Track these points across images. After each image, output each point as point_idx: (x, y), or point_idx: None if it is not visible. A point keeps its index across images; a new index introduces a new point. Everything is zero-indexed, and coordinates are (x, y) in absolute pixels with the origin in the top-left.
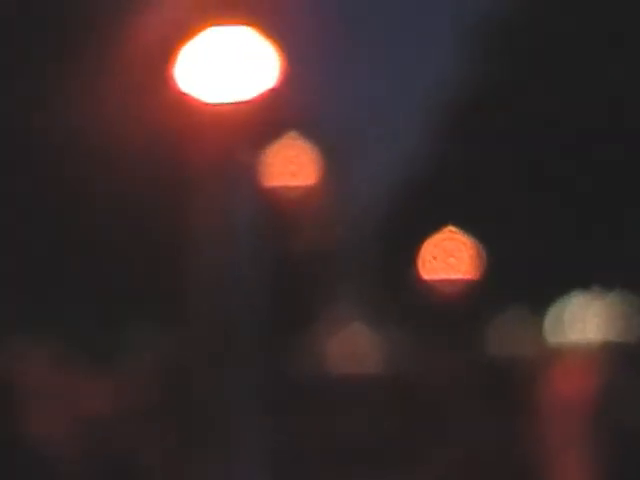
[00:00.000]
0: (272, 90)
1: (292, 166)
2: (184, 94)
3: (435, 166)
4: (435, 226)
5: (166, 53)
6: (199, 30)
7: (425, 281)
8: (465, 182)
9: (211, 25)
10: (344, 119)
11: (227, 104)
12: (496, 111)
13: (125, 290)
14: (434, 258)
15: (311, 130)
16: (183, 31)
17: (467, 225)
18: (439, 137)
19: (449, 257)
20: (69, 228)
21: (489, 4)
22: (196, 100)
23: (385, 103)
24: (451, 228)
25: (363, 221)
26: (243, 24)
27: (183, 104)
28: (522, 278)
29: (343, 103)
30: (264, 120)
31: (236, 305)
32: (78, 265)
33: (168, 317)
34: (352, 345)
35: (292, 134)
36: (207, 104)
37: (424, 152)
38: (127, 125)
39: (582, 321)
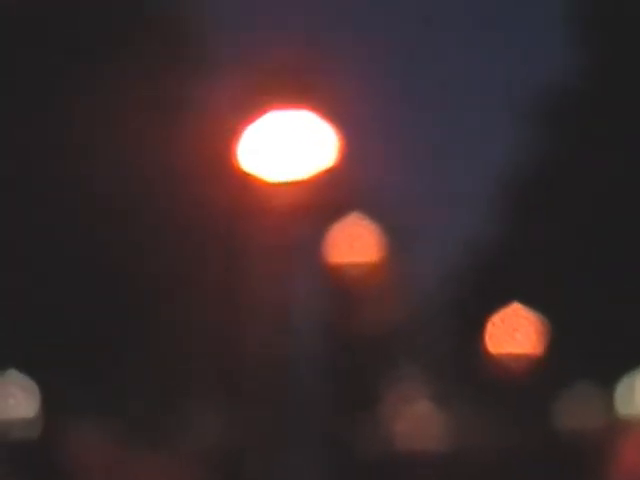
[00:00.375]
0: (331, 169)
1: (355, 243)
2: (247, 173)
3: (500, 243)
4: (500, 302)
5: (230, 134)
6: (262, 113)
7: (492, 356)
8: (530, 258)
9: (272, 109)
10: (407, 197)
11: (288, 182)
12: (559, 188)
13: (184, 370)
14: (500, 333)
15: (374, 208)
16: (247, 114)
17: (533, 301)
18: (504, 214)
19: (515, 332)
20: (131, 310)
21: (550, 81)
22: (259, 178)
23: (449, 181)
24: (517, 305)
25: (429, 298)
26: (303, 108)
27: (246, 182)
28: (590, 352)
29: (406, 181)
30: (325, 197)
31: (299, 382)
32: (138, 347)
33: (228, 397)
34: (418, 421)
35: (354, 212)
36: (269, 182)
37: (489, 229)
38: (192, 201)
39: None
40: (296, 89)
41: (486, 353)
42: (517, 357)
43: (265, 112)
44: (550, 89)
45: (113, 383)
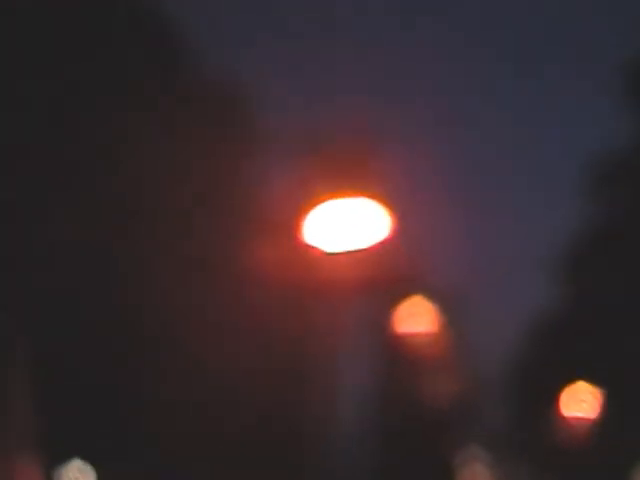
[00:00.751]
0: (389, 244)
1: (415, 314)
2: (310, 246)
3: (561, 310)
4: (566, 374)
5: (296, 215)
6: (323, 199)
7: (558, 422)
8: (593, 328)
9: (332, 197)
10: (466, 268)
11: (345, 253)
12: (623, 254)
13: (248, 453)
14: (567, 401)
15: (433, 280)
16: (310, 199)
17: (600, 373)
18: (564, 281)
19: (581, 403)
20: (192, 399)
21: (607, 145)
22: (320, 251)
23: (509, 249)
24: (582, 382)
25: (491, 368)
26: (360, 195)
27: (309, 254)
28: None
29: (463, 253)
30: (383, 270)
31: (358, 455)
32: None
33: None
34: None
35: (413, 282)
36: (329, 254)
37: (550, 297)
38: (261, 272)
39: None
40: (353, 177)
41: (551, 420)
42: (582, 421)
43: (324, 198)
44: (606, 153)
45: (174, 469)
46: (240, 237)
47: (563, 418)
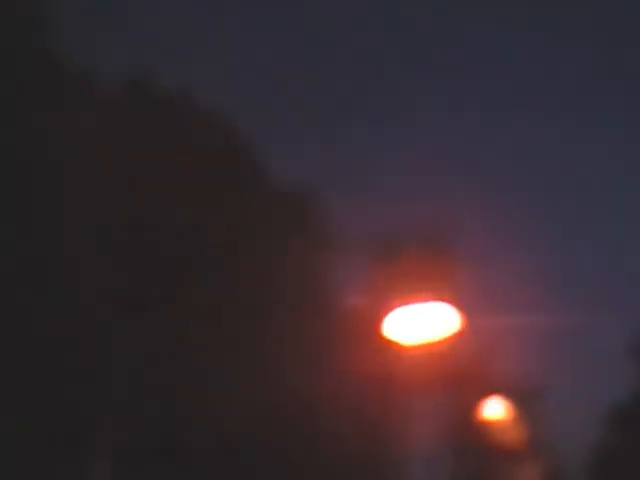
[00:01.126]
0: (458, 339)
1: (489, 406)
2: (390, 341)
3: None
4: None
5: (377, 314)
6: (401, 302)
7: None
8: None
9: (409, 300)
10: (544, 358)
11: (422, 347)
12: None
13: None
14: None
15: (508, 373)
16: (389, 300)
17: None
18: None
19: None
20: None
21: None
22: (399, 345)
23: (584, 339)
24: None
25: (572, 456)
26: (432, 299)
27: (389, 349)
28: None
29: (539, 345)
30: (457, 362)
31: None
32: None
33: None
34: None
35: (486, 376)
36: (406, 347)
37: (629, 378)
38: (344, 364)
39: None
40: (428, 281)
41: None
42: None
43: (403, 301)
44: None
45: None
46: (325, 333)
47: None
